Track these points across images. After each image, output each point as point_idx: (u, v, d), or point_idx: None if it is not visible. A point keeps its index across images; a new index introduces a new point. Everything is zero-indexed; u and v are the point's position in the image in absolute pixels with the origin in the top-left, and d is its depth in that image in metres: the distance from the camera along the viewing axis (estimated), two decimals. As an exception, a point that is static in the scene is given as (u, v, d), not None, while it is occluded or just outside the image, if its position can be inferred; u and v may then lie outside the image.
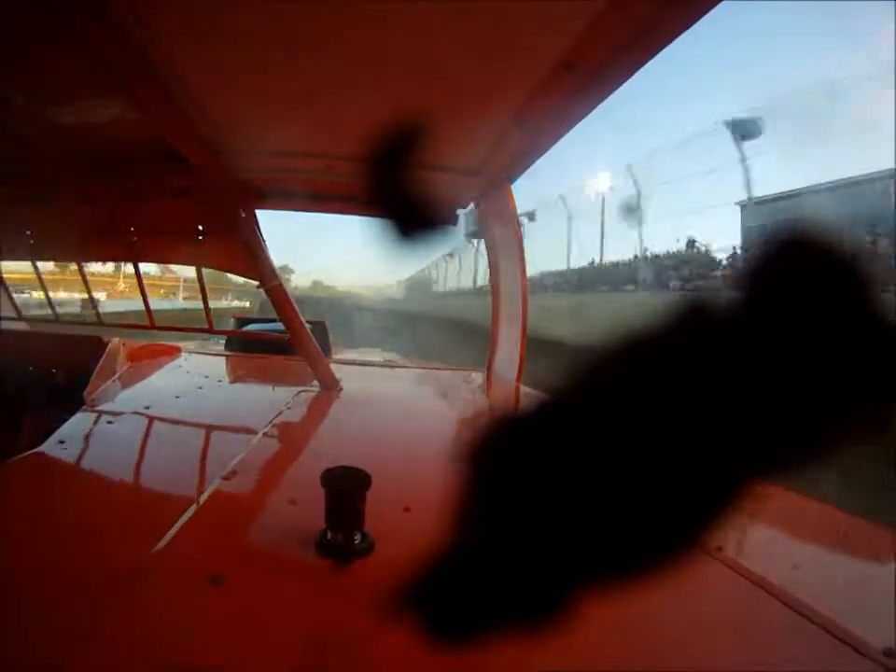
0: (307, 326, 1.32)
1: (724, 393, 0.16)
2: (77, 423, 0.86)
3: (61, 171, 1.24)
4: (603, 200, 13.15)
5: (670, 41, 0.68)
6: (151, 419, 0.94)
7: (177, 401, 1.10)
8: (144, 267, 1.44)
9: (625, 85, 0.80)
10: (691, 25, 0.65)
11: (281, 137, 1.20)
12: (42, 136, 1.15)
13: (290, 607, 0.46)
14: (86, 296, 1.65)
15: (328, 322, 2.82)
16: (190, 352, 1.69)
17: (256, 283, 1.29)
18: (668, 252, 11.60)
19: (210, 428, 0.95)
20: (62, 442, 0.77)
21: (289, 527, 0.56)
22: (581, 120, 0.96)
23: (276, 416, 0.99)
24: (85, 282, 1.55)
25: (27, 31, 0.71)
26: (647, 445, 0.17)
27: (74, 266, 1.54)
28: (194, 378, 1.39)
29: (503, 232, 1.57)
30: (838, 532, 0.63)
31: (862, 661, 0.42)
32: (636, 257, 11.78)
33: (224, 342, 2.54)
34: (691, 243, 11.22)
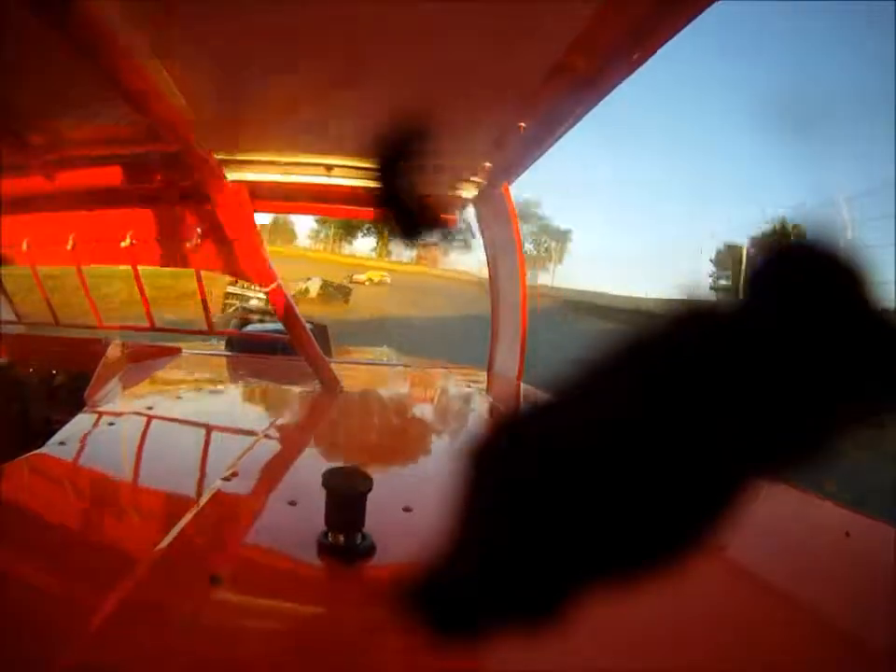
0: (307, 327, 1.32)
1: (726, 393, 0.17)
2: (78, 424, 0.86)
3: (58, 175, 1.24)
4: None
5: (669, 38, 0.69)
6: (151, 420, 0.94)
7: (178, 402, 1.10)
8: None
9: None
10: (689, 22, 0.65)
11: (280, 139, 1.21)
12: (40, 140, 1.15)
13: (292, 608, 0.46)
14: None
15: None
16: (191, 353, 1.69)
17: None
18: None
19: (210, 429, 0.95)
20: (62, 444, 0.77)
21: (290, 528, 0.56)
22: (580, 120, 0.96)
23: (277, 417, 0.99)
24: (84, 285, 1.55)
25: (24, 34, 0.71)
26: (648, 445, 0.17)
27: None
28: (195, 379, 1.39)
29: (502, 232, 1.57)
30: (840, 530, 0.63)
31: (864, 660, 0.42)
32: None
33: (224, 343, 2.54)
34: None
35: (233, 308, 7.96)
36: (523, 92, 0.88)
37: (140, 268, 1.41)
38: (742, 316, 0.17)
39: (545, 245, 36.08)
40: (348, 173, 1.30)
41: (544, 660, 0.36)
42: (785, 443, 0.17)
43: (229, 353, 1.94)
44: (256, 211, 1.34)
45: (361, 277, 19.78)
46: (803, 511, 0.70)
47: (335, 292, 14.16)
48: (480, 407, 1.35)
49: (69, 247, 1.34)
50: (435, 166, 1.28)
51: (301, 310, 1.30)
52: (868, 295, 0.16)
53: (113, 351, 1.18)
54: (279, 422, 0.97)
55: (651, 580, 0.18)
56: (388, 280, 21.02)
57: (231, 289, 8.28)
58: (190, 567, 0.49)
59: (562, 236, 36.74)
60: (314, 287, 12.78)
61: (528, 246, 35.61)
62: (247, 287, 9.18)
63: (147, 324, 1.55)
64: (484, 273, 1.72)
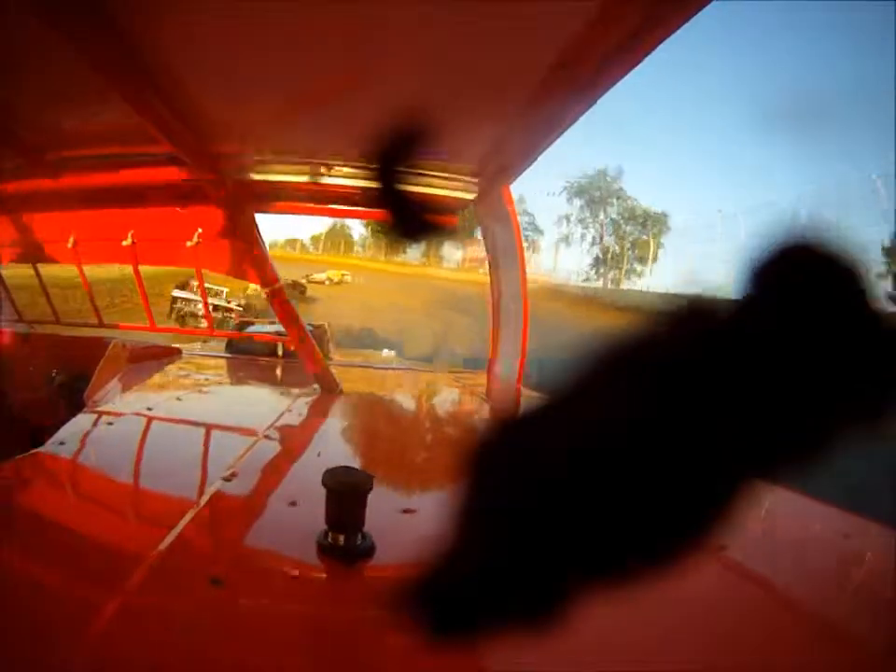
0: (307, 328, 1.33)
1: (725, 394, 0.16)
2: (78, 424, 0.86)
3: (61, 175, 1.24)
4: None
5: (667, 37, 0.69)
6: (152, 420, 0.94)
7: (178, 403, 1.10)
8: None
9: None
10: (686, 22, 0.65)
11: (280, 139, 1.21)
12: (42, 141, 1.15)
13: (292, 608, 0.46)
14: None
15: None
16: (191, 354, 1.69)
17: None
18: None
19: (210, 430, 0.95)
20: (62, 443, 0.77)
21: (290, 529, 0.56)
22: (578, 120, 0.96)
23: (277, 418, 0.99)
24: (85, 284, 1.55)
25: (26, 36, 0.71)
26: (649, 446, 0.17)
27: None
28: (195, 379, 1.39)
29: (502, 232, 1.57)
30: (839, 531, 0.63)
31: (864, 660, 0.42)
32: None
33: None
34: None
35: (175, 313, 7.93)
36: (523, 92, 0.88)
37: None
38: (741, 317, 0.17)
39: (631, 238, 24.35)
40: (348, 173, 1.30)
41: (544, 660, 0.36)
42: (784, 444, 0.17)
43: (229, 354, 1.94)
44: (256, 211, 1.34)
45: (321, 276, 18.60)
46: (802, 512, 0.70)
47: (290, 291, 14.19)
48: (479, 409, 1.35)
49: (69, 246, 1.34)
50: (435, 166, 1.28)
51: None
52: (868, 295, 0.16)
53: (113, 351, 1.18)
54: (279, 423, 0.97)
55: (652, 581, 0.18)
56: (349, 279, 19.77)
57: (176, 293, 8.17)
58: (191, 568, 0.49)
59: (656, 222, 24.24)
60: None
61: (608, 240, 24.46)
62: (195, 292, 9.27)
63: (147, 324, 1.56)
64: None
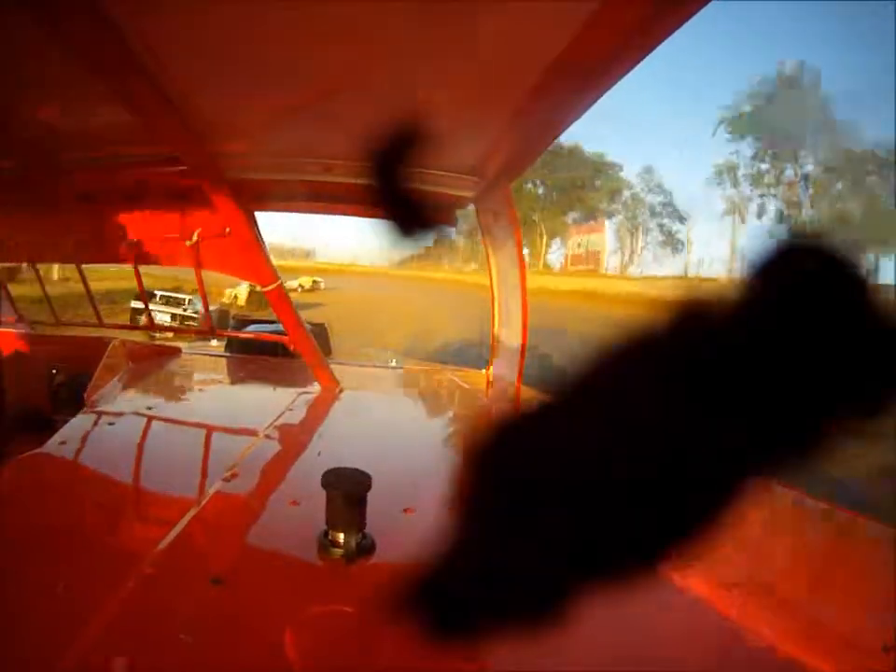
0: (308, 327, 1.33)
1: (725, 392, 0.16)
2: (79, 424, 0.86)
3: (59, 175, 1.24)
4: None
5: (668, 36, 0.69)
6: (152, 420, 0.94)
7: (178, 402, 1.10)
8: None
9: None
10: (688, 19, 0.65)
11: (279, 138, 1.21)
12: (40, 141, 1.15)
13: (292, 607, 0.46)
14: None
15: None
16: (191, 353, 1.69)
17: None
18: None
19: (211, 430, 0.95)
20: (63, 443, 0.77)
21: (291, 528, 0.56)
22: (578, 118, 0.96)
23: (277, 418, 0.99)
24: (85, 285, 1.55)
25: (23, 36, 0.71)
26: (647, 445, 0.17)
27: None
28: (195, 379, 1.39)
29: (502, 232, 1.57)
30: (838, 530, 0.63)
31: (863, 660, 0.42)
32: None
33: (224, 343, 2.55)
34: None
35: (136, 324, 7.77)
36: (523, 91, 0.88)
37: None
38: (742, 315, 0.17)
39: (846, 200, 12.67)
40: (348, 172, 1.30)
41: (544, 660, 0.36)
42: (784, 443, 0.17)
43: (229, 353, 1.94)
44: (256, 210, 1.34)
45: (292, 284, 17.64)
46: (801, 510, 0.70)
47: (260, 299, 14.00)
48: (479, 408, 1.35)
49: (70, 247, 1.34)
50: (435, 165, 1.28)
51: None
52: (869, 294, 0.16)
53: (114, 351, 1.18)
54: (279, 422, 0.97)
55: (651, 580, 0.18)
56: (323, 285, 19.44)
57: (134, 304, 7.97)
58: (191, 567, 0.49)
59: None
60: (242, 293, 12.43)
61: (808, 211, 13.99)
62: (157, 302, 9.24)
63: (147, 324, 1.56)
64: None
